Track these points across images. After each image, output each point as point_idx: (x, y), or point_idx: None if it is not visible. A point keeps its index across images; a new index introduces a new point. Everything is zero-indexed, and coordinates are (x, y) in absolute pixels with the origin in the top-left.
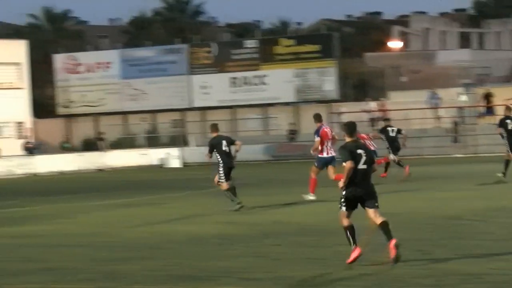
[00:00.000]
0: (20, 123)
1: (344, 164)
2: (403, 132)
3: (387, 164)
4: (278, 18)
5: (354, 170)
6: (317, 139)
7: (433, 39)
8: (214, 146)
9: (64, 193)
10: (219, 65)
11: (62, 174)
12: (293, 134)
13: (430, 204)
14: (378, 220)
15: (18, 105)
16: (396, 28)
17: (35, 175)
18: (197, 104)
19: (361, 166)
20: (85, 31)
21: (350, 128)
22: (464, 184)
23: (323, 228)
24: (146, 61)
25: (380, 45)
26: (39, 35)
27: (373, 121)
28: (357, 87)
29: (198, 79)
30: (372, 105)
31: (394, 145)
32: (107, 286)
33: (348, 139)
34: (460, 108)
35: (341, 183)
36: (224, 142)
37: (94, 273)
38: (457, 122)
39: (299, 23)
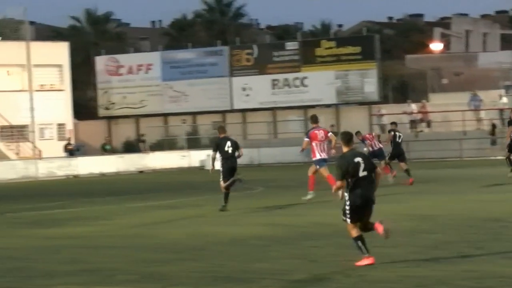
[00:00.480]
0: (61, 124)
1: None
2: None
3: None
4: (320, 20)
5: (356, 179)
6: (306, 140)
7: (474, 41)
8: (218, 145)
9: (105, 195)
10: (260, 67)
11: (102, 175)
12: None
13: (469, 206)
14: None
15: (60, 107)
16: (438, 30)
17: (75, 176)
18: (238, 106)
19: (362, 173)
20: (127, 33)
21: (347, 137)
22: (503, 186)
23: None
24: (187, 63)
25: (421, 47)
26: (80, 37)
27: (413, 123)
28: (398, 89)
29: (239, 81)
30: (413, 107)
31: (396, 150)
32: (148, 287)
33: (345, 149)
34: (501, 110)
35: (334, 189)
36: (228, 143)
37: (136, 274)
38: (495, 124)
39: (340, 25)
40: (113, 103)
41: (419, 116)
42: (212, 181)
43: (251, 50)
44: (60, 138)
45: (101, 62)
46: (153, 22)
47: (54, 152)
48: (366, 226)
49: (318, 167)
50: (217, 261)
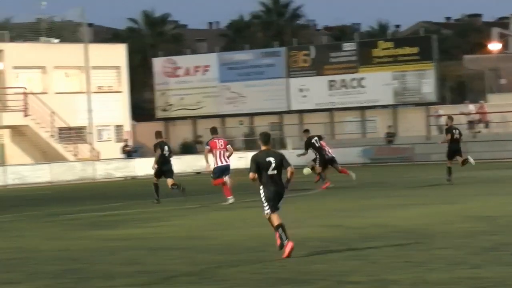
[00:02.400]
0: (119, 126)
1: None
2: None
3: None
4: (377, 21)
5: (267, 176)
6: (207, 147)
7: None
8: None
9: (162, 196)
10: (317, 68)
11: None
12: (391, 137)
13: None
14: (276, 221)
15: (117, 108)
16: (496, 30)
17: (133, 178)
18: (295, 107)
19: (270, 172)
20: (184, 34)
21: (265, 138)
22: None
23: (420, 232)
24: (244, 65)
25: (480, 47)
26: (138, 39)
27: (471, 124)
28: (456, 89)
29: (296, 82)
30: (471, 107)
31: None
32: None
33: (262, 148)
34: None
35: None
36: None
37: (194, 276)
38: None
39: (397, 26)
40: (171, 105)
41: (477, 117)
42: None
43: (308, 51)
44: (118, 139)
45: (159, 63)
46: (210, 23)
47: (112, 154)
48: (280, 227)
49: (213, 177)
50: (275, 263)
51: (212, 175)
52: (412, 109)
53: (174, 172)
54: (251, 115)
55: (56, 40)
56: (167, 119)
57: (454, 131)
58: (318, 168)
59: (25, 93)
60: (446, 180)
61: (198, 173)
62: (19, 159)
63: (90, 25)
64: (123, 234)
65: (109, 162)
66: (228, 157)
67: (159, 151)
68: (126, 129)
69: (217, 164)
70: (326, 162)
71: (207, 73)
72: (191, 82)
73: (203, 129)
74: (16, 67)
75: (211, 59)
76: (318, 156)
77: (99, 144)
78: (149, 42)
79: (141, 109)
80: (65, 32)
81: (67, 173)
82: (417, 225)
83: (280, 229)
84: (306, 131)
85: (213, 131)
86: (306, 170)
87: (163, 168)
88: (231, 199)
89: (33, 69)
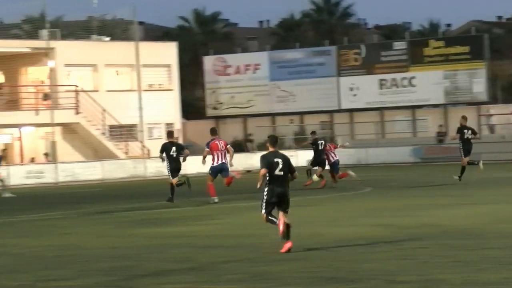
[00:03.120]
0: (169, 124)
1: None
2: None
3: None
4: (428, 20)
5: (272, 177)
6: (206, 149)
7: None
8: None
9: (201, 195)
10: (367, 67)
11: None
12: (441, 136)
13: None
14: (282, 226)
15: (168, 106)
16: None
17: (183, 176)
18: (345, 106)
19: (277, 172)
20: (234, 33)
21: (272, 140)
22: None
23: (470, 231)
24: (295, 63)
25: None
26: (188, 37)
27: None
28: (507, 89)
29: (346, 81)
30: None
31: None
32: (255, 287)
33: (270, 149)
34: None
35: (258, 185)
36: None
37: (243, 274)
38: None
39: (448, 25)
40: (221, 103)
41: None
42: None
43: (358, 50)
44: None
45: (209, 62)
46: (261, 22)
47: None
48: (283, 233)
49: (209, 173)
50: (325, 262)
51: (209, 176)
52: (463, 109)
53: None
54: (301, 113)
55: (107, 38)
56: (217, 117)
57: (465, 131)
58: (319, 170)
59: (76, 91)
60: (458, 179)
61: (249, 171)
62: (70, 156)
63: (141, 23)
64: (173, 232)
65: (160, 160)
66: (231, 158)
67: (162, 153)
68: (177, 127)
69: (213, 164)
70: (321, 163)
71: (258, 71)
72: (241, 80)
73: (254, 128)
74: (67, 65)
75: (261, 58)
76: (314, 156)
77: (149, 142)
78: (199, 41)
79: (192, 107)
80: (116, 30)
81: (118, 171)
82: (467, 225)
83: (270, 216)
84: (313, 133)
85: (213, 132)
86: (315, 177)
87: (171, 167)
88: (215, 199)
89: (84, 67)
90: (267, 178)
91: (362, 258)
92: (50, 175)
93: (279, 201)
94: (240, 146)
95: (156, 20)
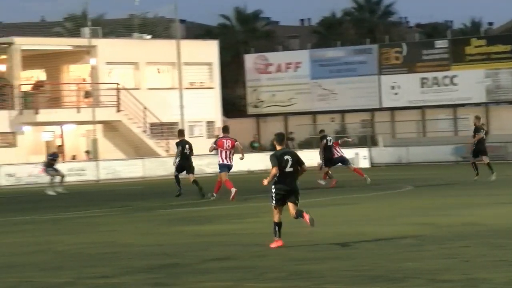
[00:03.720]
0: (210, 122)
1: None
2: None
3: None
4: (470, 18)
5: (282, 173)
6: (213, 145)
7: None
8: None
9: (253, 192)
10: (409, 65)
11: (251, 173)
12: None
13: None
14: (276, 219)
15: (209, 104)
16: None
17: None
18: (386, 104)
19: (288, 169)
20: (276, 31)
21: (279, 138)
22: None
23: None
24: (336, 61)
25: None
26: (230, 36)
27: None
28: None
29: (388, 80)
30: None
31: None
32: (298, 285)
33: (278, 147)
34: None
35: (265, 181)
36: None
37: (285, 272)
38: None
39: (490, 23)
40: (262, 101)
41: None
42: (360, 180)
43: (400, 48)
44: (209, 135)
45: (250, 60)
46: (302, 20)
47: (203, 150)
48: (296, 213)
49: (219, 171)
50: (367, 260)
51: (219, 169)
52: (505, 107)
53: (268, 168)
54: (342, 112)
55: (149, 36)
56: (258, 116)
57: (481, 131)
58: (325, 168)
59: (117, 89)
60: (476, 175)
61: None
62: (111, 154)
63: (182, 21)
64: (215, 230)
65: (200, 158)
66: (241, 155)
67: (179, 149)
68: (218, 125)
69: (221, 162)
70: (332, 161)
71: (299, 69)
72: (282, 78)
73: (295, 126)
74: (109, 63)
75: (302, 56)
76: (325, 155)
77: (190, 140)
78: (241, 39)
79: (233, 105)
80: (158, 28)
81: (159, 169)
82: (510, 224)
83: (276, 227)
84: (322, 131)
85: (225, 130)
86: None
87: (184, 164)
88: (215, 196)
89: (126, 65)
90: (278, 174)
91: (405, 257)
92: (91, 172)
93: (288, 192)
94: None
95: (198, 19)
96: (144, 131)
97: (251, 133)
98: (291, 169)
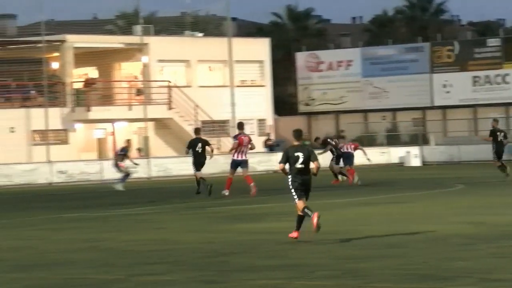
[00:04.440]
0: (261, 120)
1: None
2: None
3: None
4: None
5: (294, 168)
6: (235, 141)
7: None
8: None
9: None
10: (460, 63)
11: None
12: None
13: None
14: (302, 205)
15: (260, 102)
16: None
17: (275, 172)
18: (438, 103)
19: (299, 165)
20: (327, 29)
21: (296, 134)
22: None
23: None
24: (387, 60)
25: None
26: (281, 34)
27: None
28: None
29: (439, 78)
30: None
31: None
32: (347, 284)
33: (295, 143)
34: None
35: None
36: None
37: (334, 270)
38: None
39: None
40: (313, 99)
41: None
42: (411, 179)
43: (452, 46)
44: (261, 133)
45: (302, 58)
46: (353, 18)
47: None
48: (303, 212)
49: (231, 167)
50: (417, 259)
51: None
52: None
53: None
54: (394, 110)
55: (200, 34)
56: (309, 114)
57: (498, 133)
58: (336, 168)
59: (169, 87)
60: (506, 176)
61: (341, 167)
62: (162, 151)
63: (234, 19)
64: (265, 228)
65: (251, 155)
66: (251, 148)
67: (191, 148)
68: (269, 123)
69: (236, 158)
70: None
71: (350, 68)
72: (334, 76)
73: (346, 124)
74: (160, 61)
75: (354, 54)
76: (334, 154)
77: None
78: (292, 37)
79: (284, 103)
80: (209, 26)
81: (210, 166)
82: None
83: (305, 208)
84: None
85: (240, 126)
86: (341, 177)
87: (197, 161)
88: (226, 192)
89: (177, 63)
90: (291, 170)
91: (455, 256)
92: (143, 170)
93: (304, 189)
94: (341, 138)
95: (249, 16)
96: None
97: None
98: (302, 166)
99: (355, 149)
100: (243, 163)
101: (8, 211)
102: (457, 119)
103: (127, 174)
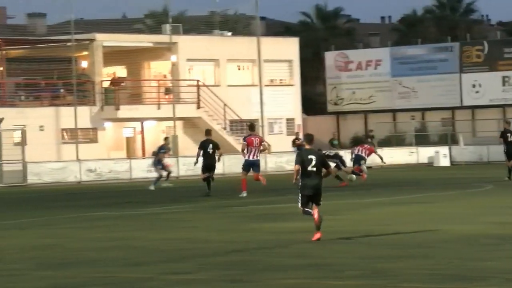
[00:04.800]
0: (290, 119)
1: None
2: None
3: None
4: None
5: (305, 171)
6: (244, 143)
7: None
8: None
9: (331, 190)
10: (490, 63)
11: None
12: None
13: None
14: (316, 215)
15: (289, 101)
16: None
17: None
18: (467, 103)
19: (310, 168)
20: (356, 29)
21: (308, 138)
22: None
23: None
24: (417, 59)
25: None
26: (310, 33)
27: None
28: None
29: (469, 78)
30: None
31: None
32: (375, 283)
33: (306, 146)
34: None
35: (293, 180)
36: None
37: (362, 270)
38: None
39: None
40: (342, 99)
41: None
42: (439, 179)
43: (481, 46)
44: (289, 132)
45: (331, 57)
46: (382, 18)
47: (283, 147)
48: (318, 220)
49: (243, 168)
50: (445, 259)
51: (242, 170)
52: None
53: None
54: (423, 110)
55: (229, 33)
56: (338, 113)
57: (507, 134)
58: (348, 169)
59: (198, 86)
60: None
61: (369, 167)
62: (191, 150)
63: (262, 18)
64: (292, 227)
65: (280, 155)
66: (267, 151)
67: (202, 150)
68: (297, 122)
69: (248, 158)
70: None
71: (379, 67)
72: (362, 76)
73: (374, 124)
74: (189, 60)
75: (383, 54)
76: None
77: (270, 137)
78: (321, 36)
79: (313, 103)
80: (238, 25)
81: (238, 165)
82: None
83: (305, 209)
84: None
85: (251, 128)
86: (350, 177)
87: (206, 163)
88: (244, 194)
89: (206, 62)
90: (302, 172)
91: (483, 256)
92: (171, 169)
93: (313, 194)
94: (360, 142)
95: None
96: (224, 128)
97: (331, 131)
98: (314, 169)
99: (370, 153)
100: (255, 164)
101: (37, 209)
102: (486, 119)
103: (162, 176)
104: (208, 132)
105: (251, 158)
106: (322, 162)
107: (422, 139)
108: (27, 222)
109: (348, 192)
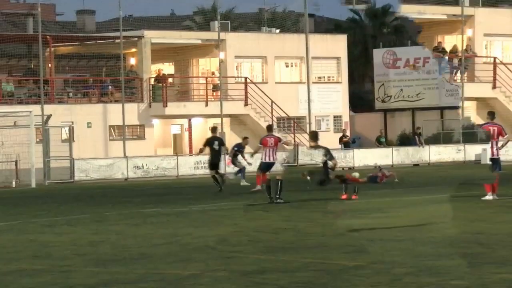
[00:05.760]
0: (337, 117)
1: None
2: None
3: None
4: None
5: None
6: (259, 145)
7: None
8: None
9: (378, 188)
10: None
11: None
12: None
13: None
14: None
15: (336, 99)
16: None
17: (350, 169)
18: None
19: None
20: (405, 26)
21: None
22: None
23: None
24: None
25: None
26: (359, 30)
27: None
28: None
29: None
30: None
31: None
32: (427, 281)
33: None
34: None
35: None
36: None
37: (413, 267)
38: None
39: None
40: (390, 96)
41: None
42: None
43: None
44: (336, 130)
45: (379, 55)
46: None
47: (330, 144)
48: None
49: (259, 166)
50: (494, 257)
51: (257, 169)
52: None
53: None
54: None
55: (277, 30)
56: (385, 111)
57: None
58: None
59: (246, 83)
60: None
61: (416, 165)
62: None
63: (311, 15)
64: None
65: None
66: (286, 144)
67: (207, 147)
68: (345, 119)
69: (264, 160)
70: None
71: (427, 65)
72: (411, 73)
73: (422, 121)
74: (237, 57)
75: (431, 51)
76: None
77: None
78: (370, 33)
79: (360, 100)
80: (287, 22)
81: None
82: None
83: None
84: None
85: (269, 128)
86: (355, 174)
87: (214, 160)
88: (258, 187)
89: (254, 59)
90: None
91: None
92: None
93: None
94: (407, 140)
95: (327, 13)
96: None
97: (378, 128)
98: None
99: (389, 177)
100: (271, 166)
101: (86, 206)
102: None
103: (245, 167)
104: (214, 129)
105: (267, 160)
106: (327, 155)
107: (469, 137)
108: (77, 218)
109: (397, 190)
